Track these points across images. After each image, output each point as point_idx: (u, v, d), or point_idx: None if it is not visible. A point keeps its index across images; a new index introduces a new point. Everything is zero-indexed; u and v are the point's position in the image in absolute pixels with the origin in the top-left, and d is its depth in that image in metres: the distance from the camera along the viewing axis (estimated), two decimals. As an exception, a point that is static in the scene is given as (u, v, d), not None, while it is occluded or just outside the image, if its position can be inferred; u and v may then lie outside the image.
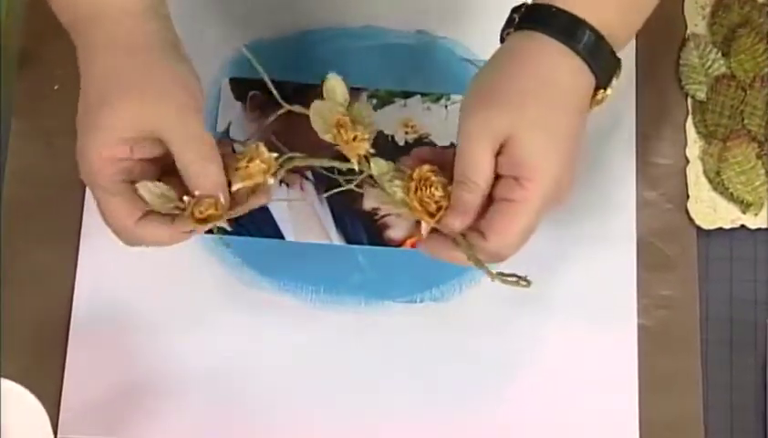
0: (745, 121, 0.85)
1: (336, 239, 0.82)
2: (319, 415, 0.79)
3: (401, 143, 0.84)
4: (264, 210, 0.82)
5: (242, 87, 0.85)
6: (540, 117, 0.67)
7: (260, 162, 0.71)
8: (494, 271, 0.70)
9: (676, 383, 0.80)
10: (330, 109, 0.72)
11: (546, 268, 0.80)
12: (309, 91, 0.85)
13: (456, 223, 0.69)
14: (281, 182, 0.83)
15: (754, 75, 0.85)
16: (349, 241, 0.82)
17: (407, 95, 0.85)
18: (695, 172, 0.84)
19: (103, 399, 0.79)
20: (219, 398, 0.79)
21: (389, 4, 0.87)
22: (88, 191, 0.82)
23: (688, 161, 0.84)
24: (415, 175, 0.71)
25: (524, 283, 0.72)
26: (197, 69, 0.82)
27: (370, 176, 0.72)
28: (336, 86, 0.73)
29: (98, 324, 0.80)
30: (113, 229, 0.70)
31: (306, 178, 0.83)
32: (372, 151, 0.72)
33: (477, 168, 0.68)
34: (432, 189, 0.71)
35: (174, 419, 0.79)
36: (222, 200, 0.69)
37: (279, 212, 0.82)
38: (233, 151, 0.72)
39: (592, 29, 0.68)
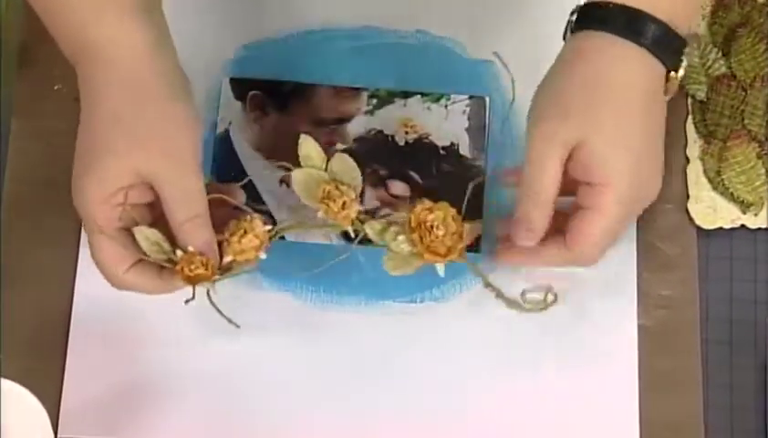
0: (745, 121, 0.85)
1: (335, 239, 0.82)
2: (319, 415, 0.79)
3: (401, 143, 0.84)
4: (264, 210, 0.82)
5: (242, 86, 0.85)
6: (613, 122, 0.67)
7: (253, 237, 0.73)
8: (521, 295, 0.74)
9: (676, 383, 0.80)
10: (311, 175, 0.74)
11: (546, 268, 0.80)
12: (309, 91, 0.85)
13: (525, 240, 0.70)
14: (280, 182, 0.83)
15: (754, 75, 0.85)
16: (349, 241, 0.82)
17: (407, 95, 0.85)
18: (695, 172, 0.84)
19: (103, 399, 0.79)
20: (219, 398, 0.79)
21: (389, 3, 0.87)
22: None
23: (688, 161, 0.84)
24: (413, 224, 0.73)
25: (552, 298, 0.74)
26: (197, 68, 0.82)
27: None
28: (310, 150, 0.75)
29: (98, 324, 0.80)
30: (102, 272, 0.71)
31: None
32: (362, 208, 0.74)
33: (543, 181, 0.68)
34: (435, 230, 0.72)
35: (174, 419, 0.79)
36: (212, 262, 0.71)
37: (279, 212, 0.82)
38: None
39: (654, 20, 0.67)
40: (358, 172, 0.76)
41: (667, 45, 0.68)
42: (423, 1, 0.88)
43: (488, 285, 0.76)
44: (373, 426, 0.79)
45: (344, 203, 0.74)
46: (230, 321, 0.75)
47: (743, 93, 0.85)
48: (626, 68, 0.68)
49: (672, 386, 0.80)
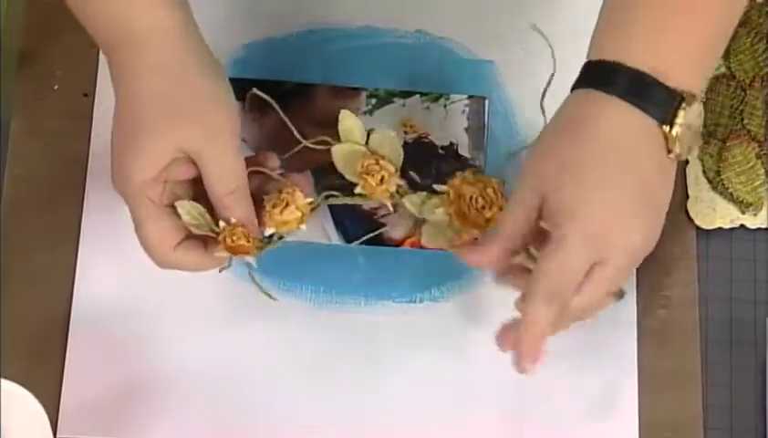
0: (745, 121, 0.85)
1: (335, 239, 0.82)
2: (319, 415, 0.79)
3: (401, 143, 0.84)
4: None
5: (241, 86, 0.85)
6: (585, 177, 0.66)
7: (294, 209, 0.73)
8: None
9: (676, 383, 0.80)
10: (351, 149, 0.74)
11: None
12: (308, 91, 0.85)
13: (473, 260, 0.70)
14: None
15: (754, 75, 0.85)
16: (349, 241, 0.82)
17: (406, 95, 0.85)
18: (695, 172, 0.84)
19: (103, 399, 0.79)
20: (219, 398, 0.79)
21: (389, 3, 0.87)
22: (87, 190, 0.83)
23: (687, 161, 0.84)
24: (452, 197, 0.72)
25: None
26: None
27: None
28: (352, 125, 0.75)
29: (97, 324, 0.80)
30: (148, 252, 0.72)
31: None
32: (402, 182, 0.74)
33: (511, 221, 0.68)
34: (474, 203, 0.72)
35: (174, 419, 0.79)
36: (253, 235, 0.72)
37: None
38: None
39: (628, 69, 0.65)
40: (399, 147, 0.75)
41: (641, 92, 0.66)
42: (423, 1, 0.88)
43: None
44: (372, 426, 0.79)
45: (382, 178, 0.73)
46: (270, 296, 0.77)
47: (743, 93, 0.85)
48: (601, 122, 0.66)
49: (672, 386, 0.80)
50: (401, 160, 0.75)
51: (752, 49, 0.86)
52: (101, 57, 0.85)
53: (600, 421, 0.79)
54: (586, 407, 0.79)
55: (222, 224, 0.72)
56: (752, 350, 0.81)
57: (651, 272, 0.82)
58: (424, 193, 0.74)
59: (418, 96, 0.85)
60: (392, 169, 0.74)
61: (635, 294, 0.81)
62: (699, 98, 0.67)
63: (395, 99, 0.85)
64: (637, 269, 0.81)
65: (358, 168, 0.73)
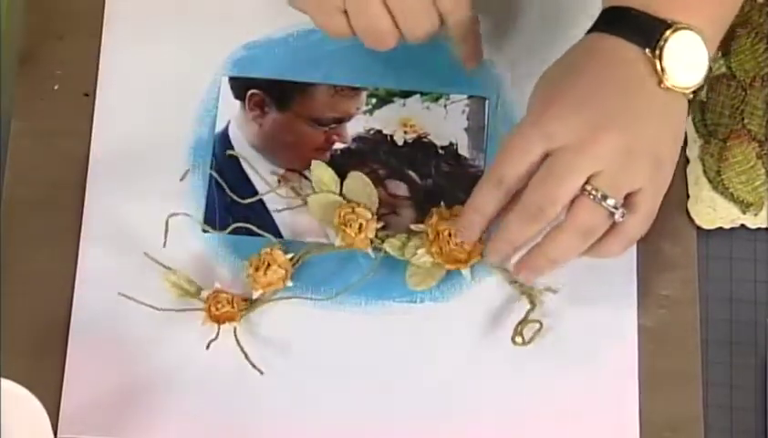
0: (745, 121, 0.84)
1: (335, 239, 0.82)
2: (319, 415, 0.79)
3: (400, 143, 0.84)
4: (264, 210, 0.82)
5: (241, 85, 0.85)
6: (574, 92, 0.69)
7: (277, 268, 0.77)
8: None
9: (676, 383, 0.80)
10: (327, 199, 0.78)
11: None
12: (308, 90, 0.85)
13: (469, 228, 0.73)
14: (279, 180, 0.83)
15: (754, 75, 0.85)
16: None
17: (406, 94, 0.85)
18: (695, 172, 0.84)
19: (103, 399, 0.79)
20: (218, 398, 0.79)
21: (389, 3, 0.87)
22: (88, 190, 0.82)
23: (688, 161, 0.84)
24: (431, 236, 0.76)
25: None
26: (197, 67, 0.83)
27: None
28: (322, 174, 0.79)
29: (97, 324, 0.80)
30: None
31: (306, 178, 0.83)
32: (380, 224, 0.78)
33: (509, 169, 0.71)
34: (454, 238, 0.76)
35: (174, 419, 0.79)
36: (238, 298, 0.77)
37: (278, 211, 0.82)
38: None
39: (620, 8, 0.70)
40: (372, 189, 0.79)
41: (627, 24, 0.69)
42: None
43: (513, 281, 0.77)
44: (373, 426, 0.79)
45: (360, 226, 0.77)
46: (254, 366, 0.78)
47: (743, 93, 0.85)
48: (595, 53, 0.70)
49: (672, 386, 0.80)
50: (377, 203, 0.78)
51: (752, 49, 0.86)
52: (101, 56, 0.85)
53: (600, 420, 0.79)
54: (586, 407, 0.79)
55: (204, 293, 0.75)
56: (752, 350, 0.81)
57: (651, 272, 0.82)
58: (404, 235, 0.78)
59: (418, 96, 0.85)
60: (369, 215, 0.77)
61: (635, 294, 0.81)
62: (704, 35, 0.70)
63: (395, 99, 0.85)
64: (637, 269, 0.82)
65: (335, 220, 0.77)
